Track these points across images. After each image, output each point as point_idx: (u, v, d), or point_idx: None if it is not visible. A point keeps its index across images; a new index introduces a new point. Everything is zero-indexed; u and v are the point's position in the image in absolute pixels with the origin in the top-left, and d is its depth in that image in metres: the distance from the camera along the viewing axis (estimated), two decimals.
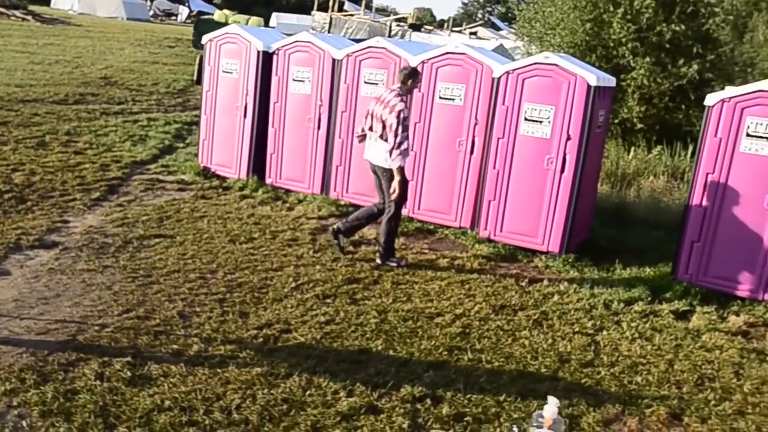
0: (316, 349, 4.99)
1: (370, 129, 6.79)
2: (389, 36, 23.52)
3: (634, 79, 13.38)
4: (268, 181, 9.26)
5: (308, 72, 8.73)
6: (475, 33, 28.51)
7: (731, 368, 5.36)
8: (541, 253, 7.46)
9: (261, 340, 5.03)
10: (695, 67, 13.06)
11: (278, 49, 8.94)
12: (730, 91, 6.59)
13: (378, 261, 6.85)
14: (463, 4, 50.56)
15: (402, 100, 6.55)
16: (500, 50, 18.94)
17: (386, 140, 6.55)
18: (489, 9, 80.00)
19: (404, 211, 8.14)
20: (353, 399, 4.33)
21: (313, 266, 6.61)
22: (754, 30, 17.57)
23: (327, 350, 4.99)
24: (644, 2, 13.28)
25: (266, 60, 9.00)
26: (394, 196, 6.66)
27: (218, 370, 4.54)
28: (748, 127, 6.45)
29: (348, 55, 8.41)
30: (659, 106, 13.55)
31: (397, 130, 6.45)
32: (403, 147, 6.50)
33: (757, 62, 16.97)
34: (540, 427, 1.89)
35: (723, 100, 6.54)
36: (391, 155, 6.53)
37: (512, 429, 1.94)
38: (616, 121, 13.75)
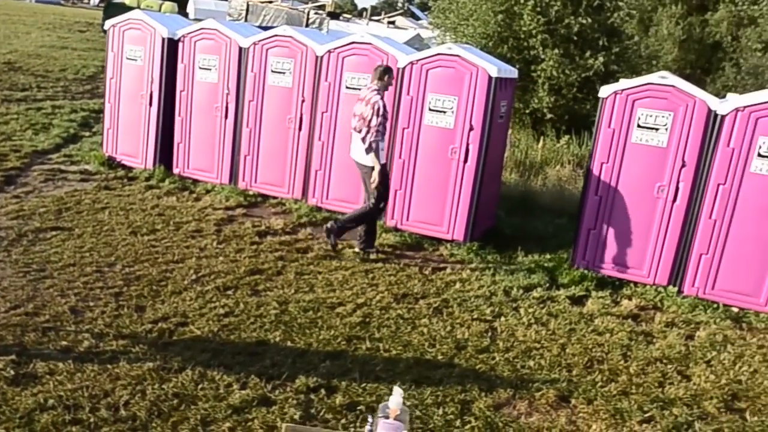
0: (212, 342, 4.94)
1: (354, 129, 6.92)
2: (307, 25, 23.32)
3: (544, 71, 13.74)
4: (175, 171, 9.08)
5: (215, 60, 8.58)
6: (393, 22, 28.62)
7: (620, 350, 5.59)
8: (447, 241, 7.59)
9: (156, 334, 4.95)
10: (601, 59, 13.51)
11: (183, 37, 8.76)
12: (622, 83, 6.84)
13: (358, 248, 7.07)
14: None
15: (380, 96, 6.77)
16: (417, 40, 19.06)
17: (365, 135, 6.76)
18: None
19: (313, 201, 8.15)
20: (246, 391, 4.31)
21: (216, 258, 6.54)
22: (659, 24, 18.30)
23: (223, 343, 4.95)
24: None
25: (171, 47, 8.80)
26: (373, 185, 6.83)
27: (108, 366, 4.44)
28: (639, 118, 6.72)
29: (255, 44, 8.30)
30: (568, 96, 13.97)
31: (370, 121, 6.67)
32: (373, 138, 6.72)
33: (662, 55, 17.70)
34: (387, 417, 1.93)
35: (616, 92, 6.78)
36: (369, 146, 6.74)
37: (367, 418, 1.97)
38: (527, 111, 14.11)
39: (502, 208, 8.92)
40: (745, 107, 6.36)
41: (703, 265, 6.70)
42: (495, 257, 7.36)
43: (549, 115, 13.91)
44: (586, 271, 7.05)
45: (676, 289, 6.83)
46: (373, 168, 6.81)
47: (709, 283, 6.71)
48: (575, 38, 13.78)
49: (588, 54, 13.69)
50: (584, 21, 13.58)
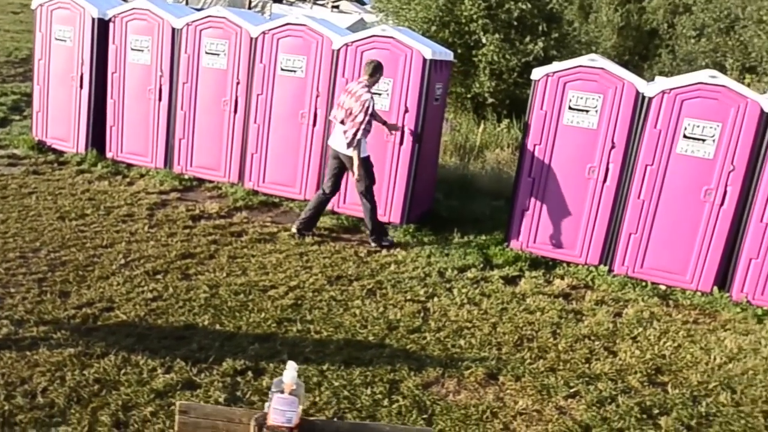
0: (138, 326, 4.85)
1: (335, 118, 6.89)
2: (249, 8, 22.98)
3: (485, 55, 13.82)
4: (108, 155, 8.87)
5: (147, 41, 8.38)
6: (337, 6, 28.46)
7: (549, 328, 5.69)
8: (384, 224, 7.58)
9: (79, 319, 4.83)
10: (541, 44, 13.66)
11: (115, 17, 8.52)
12: (554, 66, 6.93)
13: (373, 244, 7.02)
14: None
15: (369, 92, 6.70)
16: (360, 24, 18.95)
17: (349, 127, 6.70)
18: None
19: (250, 185, 8.07)
20: (170, 376, 4.25)
21: (146, 242, 6.41)
22: (598, 11, 18.61)
23: (150, 327, 4.86)
24: None
25: (102, 28, 8.56)
26: (356, 177, 6.82)
27: (27, 353, 4.32)
28: (570, 100, 6.82)
29: (188, 24, 8.14)
30: (508, 81, 14.09)
31: (356, 117, 6.61)
32: (358, 136, 6.66)
33: (601, 41, 18.00)
34: (282, 392, 1.91)
35: (547, 75, 6.86)
36: (352, 141, 6.68)
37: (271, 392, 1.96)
38: (469, 95, 14.18)
39: (440, 191, 8.97)
40: (671, 89, 6.51)
41: (632, 244, 6.86)
42: (431, 239, 7.40)
43: (490, 100, 14.02)
44: (520, 252, 7.15)
45: (606, 268, 6.98)
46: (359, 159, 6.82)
47: (638, 262, 6.87)
48: (515, 23, 13.89)
49: (528, 39, 13.82)
50: (524, 6, 13.69)
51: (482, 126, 12.67)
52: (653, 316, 6.16)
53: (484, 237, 7.56)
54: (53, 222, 6.60)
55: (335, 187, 7.05)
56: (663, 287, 6.79)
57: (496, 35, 13.71)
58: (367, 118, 6.63)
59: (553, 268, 7.06)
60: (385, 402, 4.31)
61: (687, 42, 17.08)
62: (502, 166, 10.51)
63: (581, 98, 6.78)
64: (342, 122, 6.75)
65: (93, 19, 8.48)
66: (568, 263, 7.12)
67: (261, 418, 1.94)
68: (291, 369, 1.95)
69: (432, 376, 4.73)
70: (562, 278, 6.81)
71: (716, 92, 6.38)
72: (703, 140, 6.46)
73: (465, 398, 4.52)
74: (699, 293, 6.69)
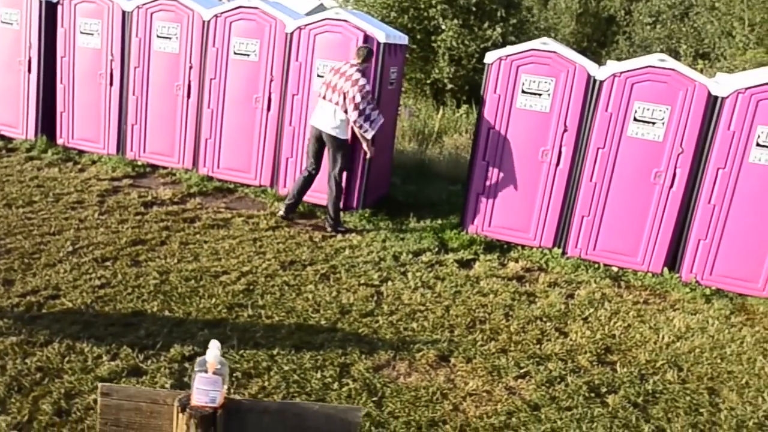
0: (84, 314, 4.76)
1: (323, 98, 6.83)
2: None
3: (444, 41, 13.84)
4: (59, 141, 8.68)
5: (97, 24, 8.20)
6: None
7: (502, 310, 5.73)
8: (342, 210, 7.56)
9: (23, 308, 4.73)
10: (499, 30, 13.72)
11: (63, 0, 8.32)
12: (507, 49, 6.95)
13: (329, 230, 7.00)
14: None
15: (364, 76, 6.72)
16: (320, 9, 18.80)
17: (345, 111, 6.70)
18: None
19: (204, 170, 7.98)
20: (116, 363, 4.18)
21: (96, 229, 6.30)
22: None
23: (97, 315, 4.78)
24: None
25: (50, 10, 8.35)
26: (370, 154, 6.99)
27: None
28: (523, 84, 6.85)
29: (138, 7, 7.98)
30: (468, 67, 14.14)
31: (359, 105, 6.63)
32: (372, 119, 6.81)
33: (560, 28, 18.15)
34: (205, 371, 1.89)
35: (500, 58, 6.88)
36: (361, 129, 6.76)
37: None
38: (428, 81, 14.20)
39: (397, 175, 8.97)
40: (621, 73, 6.57)
41: (584, 226, 6.94)
42: (387, 224, 7.39)
43: (449, 86, 14.05)
44: (475, 236, 7.19)
45: (560, 250, 7.05)
46: (340, 140, 6.88)
47: (591, 244, 6.96)
48: (474, 9, 13.93)
49: (486, 25, 13.87)
50: None
51: (441, 112, 12.69)
52: (605, 297, 6.25)
53: (440, 221, 7.59)
54: None
55: (319, 166, 7.06)
56: (615, 269, 6.89)
57: (455, 21, 13.74)
58: (369, 100, 6.76)
59: (508, 251, 7.11)
60: (335, 385, 4.30)
61: (643, 28, 17.30)
62: (460, 151, 10.54)
63: (534, 82, 6.82)
64: (336, 103, 6.75)
65: (41, 2, 8.26)
66: (523, 246, 7.18)
67: (185, 399, 1.91)
68: (214, 348, 1.92)
69: (383, 359, 4.73)
70: (517, 261, 6.87)
71: (665, 75, 6.46)
72: (653, 123, 6.55)
73: (416, 380, 4.54)
74: (650, 274, 6.80)
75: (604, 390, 4.68)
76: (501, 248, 7.14)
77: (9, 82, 8.67)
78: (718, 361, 5.27)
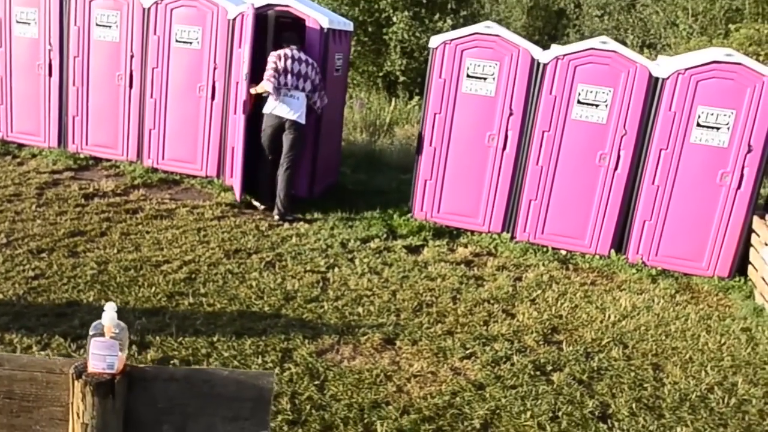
0: (15, 305, 4.59)
1: (296, 88, 6.83)
2: None
3: (395, 33, 13.79)
4: None
5: (34, 13, 7.94)
6: None
7: (450, 294, 5.70)
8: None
9: None
10: (449, 22, 13.73)
11: None
12: (451, 33, 6.92)
13: (276, 217, 6.92)
14: None
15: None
16: None
17: (312, 97, 6.97)
18: None
19: (149, 162, 7.79)
20: (47, 352, 4.03)
21: (32, 221, 6.09)
22: None
23: (29, 305, 4.61)
24: None
25: None
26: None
27: None
28: (468, 68, 6.83)
29: None
30: (419, 59, 14.11)
31: (313, 81, 6.93)
32: (325, 101, 7.20)
33: (511, 21, 18.26)
34: (101, 335, 1.79)
35: (445, 42, 6.85)
36: (318, 104, 7.09)
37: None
38: (380, 74, 14.15)
39: (347, 165, 8.90)
40: (564, 56, 6.60)
41: (532, 210, 6.95)
42: (336, 212, 7.30)
43: (402, 78, 14.02)
44: (424, 222, 7.15)
45: (509, 235, 7.06)
46: (303, 126, 6.96)
47: (539, 228, 6.98)
48: (425, 1, 13.91)
49: (437, 17, 13.87)
50: None
51: (393, 103, 12.65)
52: (552, 279, 6.27)
53: (389, 209, 7.52)
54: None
55: (279, 154, 6.99)
56: (564, 252, 6.92)
57: (406, 13, 13.70)
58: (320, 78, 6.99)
59: (458, 237, 7.09)
60: (277, 370, 4.21)
61: (592, 21, 17.51)
62: (412, 142, 10.49)
63: (479, 66, 6.80)
64: (302, 89, 6.85)
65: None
66: (472, 232, 7.16)
67: (81, 366, 1.81)
68: (110, 310, 1.82)
69: (327, 344, 4.66)
70: (465, 246, 6.86)
71: (607, 57, 6.51)
72: (597, 105, 6.59)
73: (359, 363, 4.47)
74: (598, 256, 6.85)
75: (549, 368, 4.67)
76: (450, 234, 7.11)
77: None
78: (663, 337, 5.31)
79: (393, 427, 3.84)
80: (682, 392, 4.53)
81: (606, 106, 6.59)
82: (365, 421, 3.88)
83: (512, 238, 7.05)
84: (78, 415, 1.81)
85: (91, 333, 1.80)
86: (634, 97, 6.51)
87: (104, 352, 1.79)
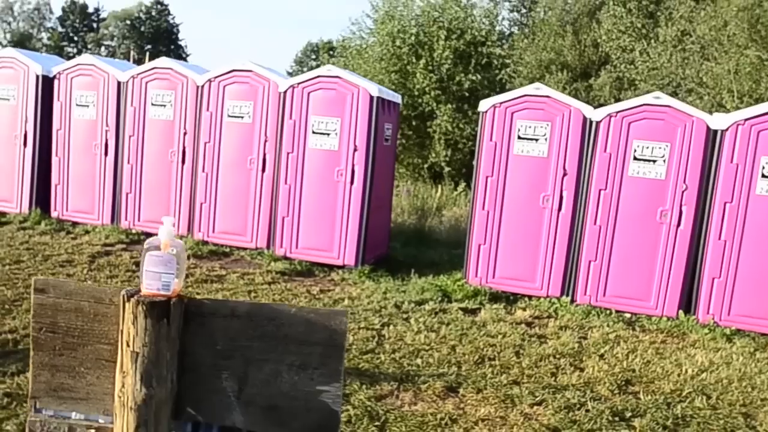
0: None
1: None
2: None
3: (439, 126, 13.98)
4: (53, 214, 8.52)
5: (93, 96, 8.24)
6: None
7: (512, 349, 5.38)
8: (338, 267, 7.31)
9: None
10: None
11: (59, 73, 8.41)
12: (500, 96, 6.93)
13: None
14: (297, 57, 52.00)
15: None
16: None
17: None
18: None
19: (199, 235, 7.79)
20: None
21: (83, 282, 6.01)
22: (548, 85, 19.13)
23: None
24: (443, 54, 14.06)
25: (47, 85, 8.42)
26: None
27: None
28: (519, 129, 6.78)
29: (133, 77, 8.04)
30: (464, 150, 14.21)
31: None
32: None
33: None
34: (157, 249, 1.61)
35: (494, 105, 6.84)
36: None
37: None
38: (426, 165, 14.26)
39: (397, 241, 8.77)
40: (617, 113, 6.52)
41: (592, 272, 6.66)
42: (388, 279, 7.11)
43: (447, 169, 14.08)
44: (479, 287, 6.89)
45: (569, 298, 6.74)
46: None
47: (600, 290, 6.66)
48: (467, 94, 14.16)
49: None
50: (474, 78, 14.01)
51: (440, 190, 12.64)
52: (620, 337, 5.91)
53: (442, 277, 7.30)
54: None
55: None
56: (628, 315, 6.56)
57: (449, 105, 13.93)
58: None
59: (515, 302, 6.80)
60: None
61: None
62: (461, 222, 10.37)
63: (530, 127, 6.75)
64: None
65: (37, 77, 8.35)
66: (530, 296, 6.87)
67: (132, 290, 1.64)
68: (167, 223, 1.65)
69: (386, 390, 4.38)
70: (524, 309, 6.56)
71: (662, 113, 6.40)
72: (654, 161, 6.42)
73: (422, 408, 4.17)
74: (665, 318, 6.46)
75: (628, 414, 4.30)
76: (507, 299, 6.82)
77: (4, 157, 8.62)
78: (749, 389, 4.89)
79: None
80: None
81: (664, 161, 6.42)
82: None
83: (572, 301, 6.73)
84: (128, 343, 1.62)
85: (145, 248, 1.62)
86: (693, 150, 6.34)
87: (160, 269, 1.61)
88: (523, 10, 19.50)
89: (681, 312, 6.45)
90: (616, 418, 4.22)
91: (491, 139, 6.89)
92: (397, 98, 7.98)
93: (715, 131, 6.31)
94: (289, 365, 1.72)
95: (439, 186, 13.21)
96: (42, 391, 1.73)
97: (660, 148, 6.42)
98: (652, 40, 15.00)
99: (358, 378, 4.48)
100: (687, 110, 6.44)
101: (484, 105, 6.92)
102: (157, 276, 1.61)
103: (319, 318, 1.73)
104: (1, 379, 3.90)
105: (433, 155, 14.12)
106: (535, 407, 4.32)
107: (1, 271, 6.11)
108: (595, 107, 6.89)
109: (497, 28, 16.50)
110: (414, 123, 14.29)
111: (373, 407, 4.07)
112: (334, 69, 7.28)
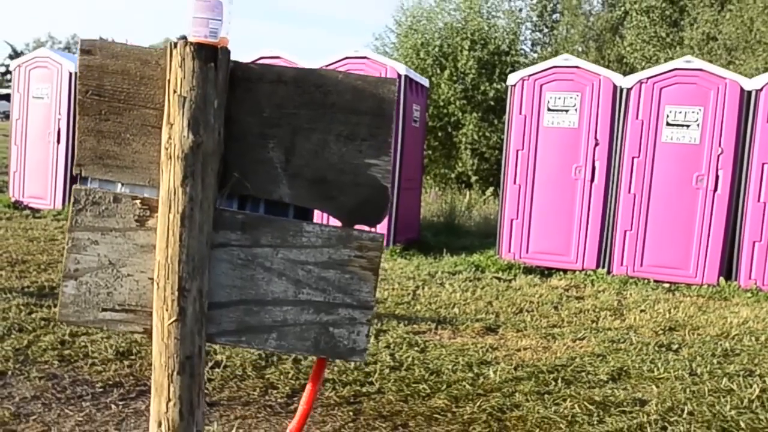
0: None
1: None
2: None
3: (465, 135, 13.97)
4: None
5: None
6: None
7: (550, 305, 5.26)
8: None
9: (34, 288, 4.41)
10: None
11: None
12: (528, 69, 6.92)
13: None
14: None
15: None
16: None
17: None
18: None
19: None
20: None
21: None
22: None
23: None
24: (467, 64, 14.13)
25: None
26: None
27: None
28: (548, 101, 6.74)
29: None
30: (491, 160, 14.15)
31: None
32: None
33: None
34: None
35: (523, 79, 6.83)
36: None
37: None
38: (453, 175, 14.23)
39: (427, 230, 8.70)
40: (648, 79, 6.48)
41: (629, 242, 6.54)
42: (420, 257, 7.01)
43: (474, 178, 14.03)
44: (513, 261, 6.79)
45: (605, 270, 6.60)
46: None
47: (638, 261, 6.52)
48: (492, 103, 14.16)
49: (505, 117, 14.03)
50: (499, 86, 14.01)
51: (468, 195, 12.58)
52: (659, 298, 5.76)
53: (475, 255, 7.19)
54: (22, 243, 6.25)
55: None
56: (667, 285, 6.39)
57: (474, 114, 13.95)
58: None
59: (549, 275, 6.66)
60: (372, 340, 3.85)
61: None
62: (491, 216, 10.26)
63: (559, 98, 6.71)
64: None
65: (70, 74, 8.48)
66: (564, 270, 6.73)
67: (179, 38, 1.61)
68: None
69: (424, 328, 4.29)
70: (560, 280, 6.43)
71: (694, 76, 6.34)
72: (687, 126, 6.34)
73: (461, 341, 4.07)
74: (705, 286, 6.29)
75: (675, 347, 4.16)
76: (542, 273, 6.69)
77: (38, 154, 8.74)
78: None
79: (507, 377, 3.39)
80: None
81: (697, 125, 6.33)
82: (474, 371, 3.44)
83: (609, 272, 6.58)
84: (175, 89, 1.58)
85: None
86: (727, 113, 6.24)
87: (207, 15, 1.58)
88: (545, 30, 19.58)
89: (722, 279, 6.29)
90: (663, 348, 4.09)
91: (521, 113, 6.86)
92: (424, 81, 8.01)
93: (749, 92, 6.22)
94: (336, 135, 1.67)
95: (468, 192, 13.15)
96: (87, 158, 1.69)
97: (693, 112, 6.34)
98: (678, 47, 14.97)
99: (395, 320, 4.40)
100: (719, 72, 6.37)
101: (512, 78, 6.91)
102: (205, 22, 1.58)
103: (367, 86, 1.68)
104: (38, 309, 3.89)
105: (460, 165, 14.08)
106: (578, 341, 4.19)
107: (38, 246, 6.15)
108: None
109: (519, 47, 16.55)
110: (440, 134, 14.29)
111: (412, 338, 3.98)
112: (361, 50, 7.33)
